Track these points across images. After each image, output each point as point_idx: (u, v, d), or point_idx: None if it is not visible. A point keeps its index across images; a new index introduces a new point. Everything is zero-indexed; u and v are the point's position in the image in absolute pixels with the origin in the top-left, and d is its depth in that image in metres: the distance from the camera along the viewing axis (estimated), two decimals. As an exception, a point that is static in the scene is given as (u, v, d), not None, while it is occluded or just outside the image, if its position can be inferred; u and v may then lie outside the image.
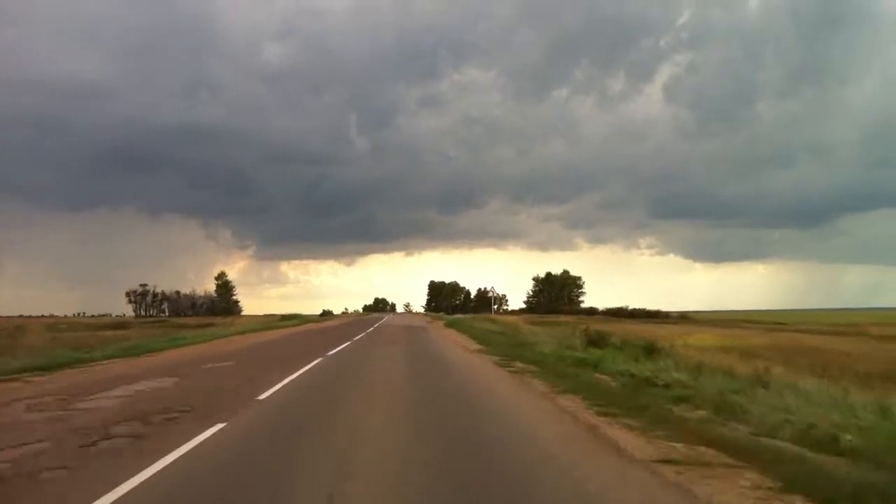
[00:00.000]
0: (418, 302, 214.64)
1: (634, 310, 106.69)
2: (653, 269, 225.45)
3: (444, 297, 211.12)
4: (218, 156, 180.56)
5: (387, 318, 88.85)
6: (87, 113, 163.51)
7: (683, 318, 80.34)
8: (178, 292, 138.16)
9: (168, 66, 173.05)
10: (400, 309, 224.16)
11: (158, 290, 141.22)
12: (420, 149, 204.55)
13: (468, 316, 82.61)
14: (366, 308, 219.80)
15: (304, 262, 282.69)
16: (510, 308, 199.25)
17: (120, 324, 64.28)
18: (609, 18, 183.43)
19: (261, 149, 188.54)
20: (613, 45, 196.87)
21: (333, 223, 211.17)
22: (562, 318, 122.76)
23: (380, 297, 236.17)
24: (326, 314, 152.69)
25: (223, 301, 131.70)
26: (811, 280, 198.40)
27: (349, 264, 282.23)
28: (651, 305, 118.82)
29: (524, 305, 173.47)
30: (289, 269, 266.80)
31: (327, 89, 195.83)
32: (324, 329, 47.02)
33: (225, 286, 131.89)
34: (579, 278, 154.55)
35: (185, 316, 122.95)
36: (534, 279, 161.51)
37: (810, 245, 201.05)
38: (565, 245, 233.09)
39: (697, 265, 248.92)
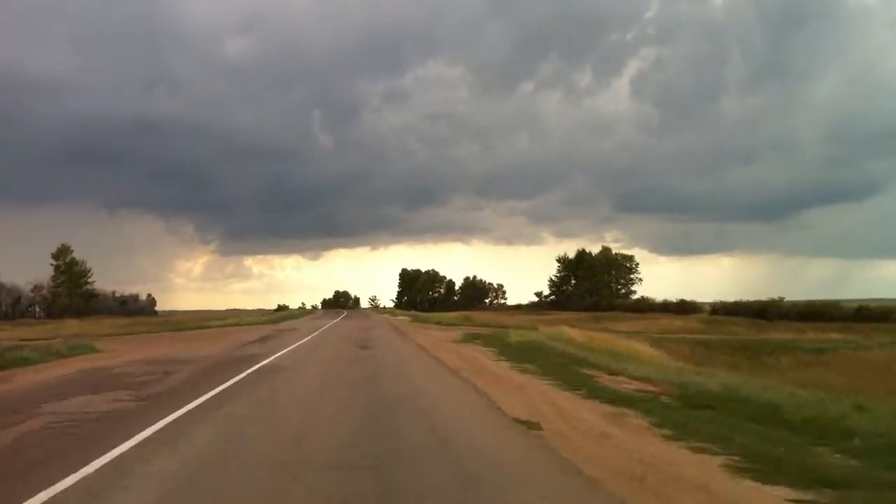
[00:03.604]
0: (387, 296, 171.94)
1: (813, 305, 57.31)
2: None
3: (418, 288, 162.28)
4: (177, 151, 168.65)
5: (329, 325, 40.25)
6: (41, 108, 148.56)
7: None
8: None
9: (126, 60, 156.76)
10: (364, 304, 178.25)
11: None
12: (384, 144, 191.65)
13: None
14: (325, 303, 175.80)
15: (268, 256, 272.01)
16: (507, 302, 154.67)
17: None
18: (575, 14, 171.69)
19: (223, 144, 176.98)
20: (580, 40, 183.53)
21: (297, 218, 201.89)
22: (647, 321, 73.03)
23: (341, 291, 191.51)
24: (282, 308, 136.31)
25: (68, 294, 79.32)
26: (775, 272, 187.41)
27: (314, 259, 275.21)
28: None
29: (535, 298, 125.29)
30: (252, 263, 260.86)
31: (290, 84, 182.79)
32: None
33: (68, 270, 78.41)
34: (631, 258, 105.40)
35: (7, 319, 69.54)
36: (560, 260, 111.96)
37: (773, 238, 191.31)
38: (531, 239, 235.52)
39: (662, 258, 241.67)
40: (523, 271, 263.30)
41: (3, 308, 79.99)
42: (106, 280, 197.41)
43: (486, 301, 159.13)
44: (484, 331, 31.88)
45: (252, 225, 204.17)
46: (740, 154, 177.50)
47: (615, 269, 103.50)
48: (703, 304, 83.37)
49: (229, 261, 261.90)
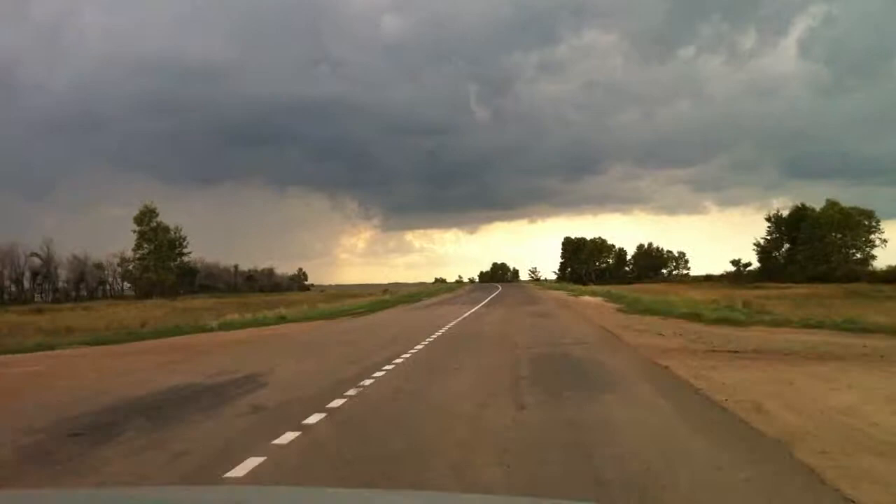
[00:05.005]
0: (547, 268, 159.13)
1: None
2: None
3: (583, 259, 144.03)
4: (340, 130, 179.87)
5: (468, 314, 19.96)
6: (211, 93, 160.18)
7: None
8: (75, 257, 67.80)
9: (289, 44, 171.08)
10: (524, 276, 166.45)
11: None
12: (541, 116, 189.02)
13: None
14: (482, 276, 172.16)
15: (428, 231, 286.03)
16: (689, 273, 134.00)
17: None
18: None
19: (383, 122, 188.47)
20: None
21: (455, 192, 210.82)
22: None
23: (498, 263, 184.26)
24: (440, 282, 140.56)
25: (155, 268, 63.69)
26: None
27: (472, 232, 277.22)
28: None
29: (732, 267, 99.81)
30: (413, 238, 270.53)
31: (445, 59, 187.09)
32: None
33: (155, 239, 61.60)
34: (871, 214, 76.31)
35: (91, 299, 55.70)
36: (770, 219, 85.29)
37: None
38: (694, 208, 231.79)
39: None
40: (691, 240, 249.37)
41: (89, 285, 66.22)
42: (268, 256, 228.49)
43: (664, 272, 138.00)
44: None
45: (412, 200, 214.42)
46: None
47: (851, 230, 74.55)
48: None
49: (391, 236, 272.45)
